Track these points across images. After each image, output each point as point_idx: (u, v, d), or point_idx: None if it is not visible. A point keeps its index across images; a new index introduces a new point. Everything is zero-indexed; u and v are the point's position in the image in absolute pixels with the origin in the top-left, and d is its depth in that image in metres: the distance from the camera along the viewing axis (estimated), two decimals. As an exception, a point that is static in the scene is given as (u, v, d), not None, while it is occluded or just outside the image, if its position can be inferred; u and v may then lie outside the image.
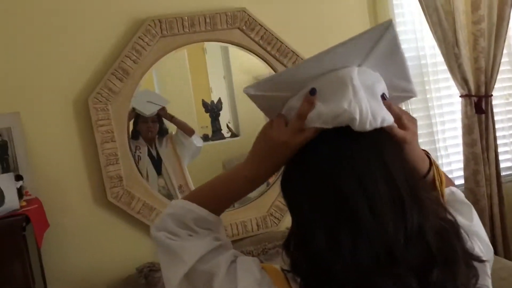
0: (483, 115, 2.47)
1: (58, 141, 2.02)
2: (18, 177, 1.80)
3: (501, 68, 2.48)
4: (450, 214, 0.75)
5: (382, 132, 0.74)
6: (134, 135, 2.22)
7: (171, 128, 2.33)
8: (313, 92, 0.74)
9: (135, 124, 2.23)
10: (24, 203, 1.76)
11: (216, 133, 2.40)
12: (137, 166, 2.13)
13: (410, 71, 0.82)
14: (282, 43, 2.22)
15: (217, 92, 2.41)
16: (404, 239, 0.67)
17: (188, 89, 2.38)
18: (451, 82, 2.48)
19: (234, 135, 2.43)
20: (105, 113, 2.02)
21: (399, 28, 2.46)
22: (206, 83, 2.43)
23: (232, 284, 0.73)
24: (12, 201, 1.69)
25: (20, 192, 1.78)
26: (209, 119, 2.38)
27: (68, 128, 2.03)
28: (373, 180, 0.69)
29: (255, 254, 2.06)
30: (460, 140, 2.54)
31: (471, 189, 2.48)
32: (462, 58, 2.36)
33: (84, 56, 2.03)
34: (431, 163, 0.85)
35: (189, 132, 2.31)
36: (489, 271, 0.81)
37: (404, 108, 2.32)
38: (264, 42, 2.20)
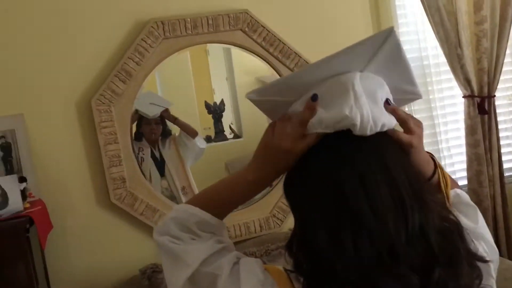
0: (486, 116, 2.46)
1: (61, 143, 2.02)
2: (22, 179, 1.81)
3: (504, 68, 2.48)
4: (454, 215, 0.75)
5: (384, 135, 0.74)
6: (137, 137, 2.22)
7: (174, 129, 2.33)
8: (314, 98, 0.74)
9: (138, 125, 2.23)
10: (27, 205, 1.76)
11: (219, 134, 2.40)
12: (140, 167, 2.13)
13: (414, 74, 0.82)
14: (285, 44, 2.22)
15: (220, 93, 2.41)
16: (405, 238, 0.68)
17: (190, 90, 2.38)
18: (454, 83, 2.47)
19: (236, 136, 2.43)
20: (108, 115, 2.02)
21: (402, 29, 2.46)
22: (209, 85, 2.44)
23: (235, 285, 0.73)
24: (15, 203, 1.70)
25: (24, 193, 1.78)
26: (212, 121, 2.38)
27: (72, 130, 2.03)
28: (374, 181, 0.70)
29: (258, 255, 2.05)
30: (463, 141, 2.53)
31: (474, 190, 2.47)
32: (464, 58, 2.35)
33: (87, 58, 2.03)
34: (436, 165, 0.85)
35: (192, 133, 2.31)
36: (493, 273, 0.81)
37: (406, 109, 2.32)
38: (267, 44, 2.20)
